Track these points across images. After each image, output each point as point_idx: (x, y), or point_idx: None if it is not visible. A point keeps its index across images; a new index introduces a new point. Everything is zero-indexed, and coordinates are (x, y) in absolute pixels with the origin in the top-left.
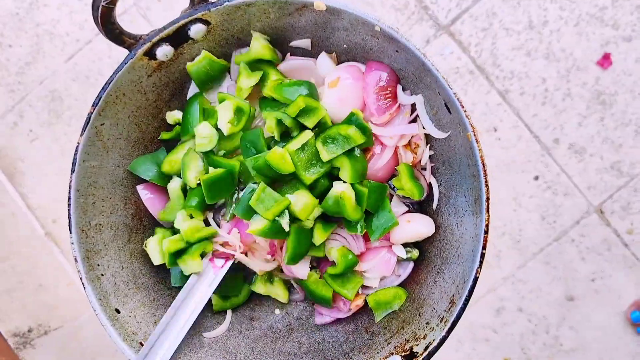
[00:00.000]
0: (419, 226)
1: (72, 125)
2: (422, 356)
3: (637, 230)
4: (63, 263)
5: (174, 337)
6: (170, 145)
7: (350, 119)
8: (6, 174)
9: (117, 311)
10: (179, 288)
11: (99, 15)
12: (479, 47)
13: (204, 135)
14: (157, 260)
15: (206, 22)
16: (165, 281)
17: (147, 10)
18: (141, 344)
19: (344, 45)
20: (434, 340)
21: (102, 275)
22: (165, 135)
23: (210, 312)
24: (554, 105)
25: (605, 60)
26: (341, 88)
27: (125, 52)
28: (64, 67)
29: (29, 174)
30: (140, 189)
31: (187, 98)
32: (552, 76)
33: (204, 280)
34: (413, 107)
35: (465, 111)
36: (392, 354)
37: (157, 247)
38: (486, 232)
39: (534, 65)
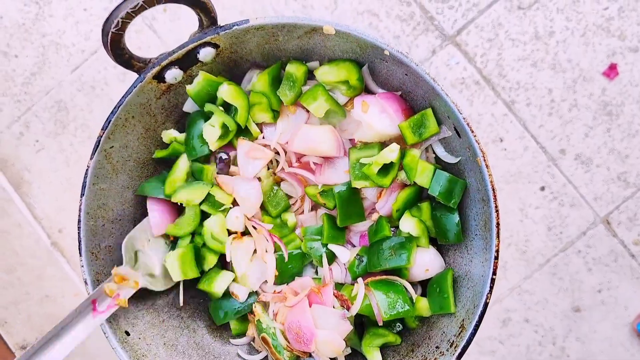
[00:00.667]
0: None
1: (78, 136)
2: None
3: None
4: (69, 273)
5: None
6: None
7: None
8: (12, 184)
9: (127, 333)
10: (188, 309)
11: (109, 41)
12: (485, 57)
13: None
14: (177, 276)
15: (215, 46)
16: (174, 302)
17: (152, 20)
18: None
19: None
20: None
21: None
22: (159, 154)
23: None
24: (560, 116)
25: (612, 71)
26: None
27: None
28: (69, 78)
29: (35, 184)
30: (149, 204)
31: (188, 116)
32: (559, 87)
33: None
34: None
35: (475, 136)
36: None
37: (177, 263)
38: (496, 258)
39: (540, 76)
